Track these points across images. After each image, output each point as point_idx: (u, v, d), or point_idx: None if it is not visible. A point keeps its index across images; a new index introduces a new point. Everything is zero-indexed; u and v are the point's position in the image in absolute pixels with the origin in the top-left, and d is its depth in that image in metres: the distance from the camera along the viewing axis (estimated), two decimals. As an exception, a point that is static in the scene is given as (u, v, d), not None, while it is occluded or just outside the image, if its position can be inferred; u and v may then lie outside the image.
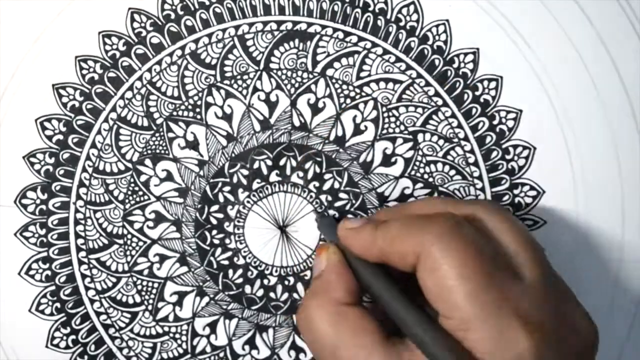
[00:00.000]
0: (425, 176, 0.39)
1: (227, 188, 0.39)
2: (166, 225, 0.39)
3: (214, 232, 0.39)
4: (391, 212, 0.35)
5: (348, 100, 0.38)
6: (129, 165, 0.39)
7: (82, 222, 0.39)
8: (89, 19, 0.37)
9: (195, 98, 0.38)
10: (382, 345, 0.30)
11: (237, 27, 0.38)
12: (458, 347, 0.28)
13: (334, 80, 0.38)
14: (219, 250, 0.39)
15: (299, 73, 0.38)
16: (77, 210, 0.39)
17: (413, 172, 0.39)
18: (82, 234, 0.39)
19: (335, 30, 0.38)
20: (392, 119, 0.38)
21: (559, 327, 0.29)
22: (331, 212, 0.39)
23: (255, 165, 0.39)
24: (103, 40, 0.38)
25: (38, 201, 0.39)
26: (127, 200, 0.39)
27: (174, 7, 0.37)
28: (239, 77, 0.38)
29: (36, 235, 0.39)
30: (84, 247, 0.39)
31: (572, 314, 0.30)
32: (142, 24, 0.38)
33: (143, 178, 0.39)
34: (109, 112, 0.38)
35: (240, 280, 0.39)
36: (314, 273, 0.35)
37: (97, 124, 0.38)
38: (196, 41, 0.38)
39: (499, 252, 0.30)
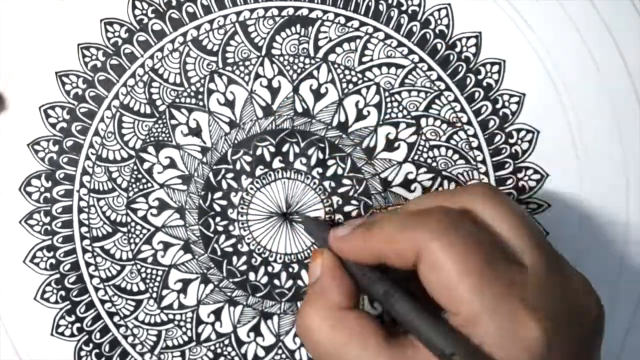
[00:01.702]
0: (429, 161, 0.39)
1: (230, 175, 0.39)
2: (170, 212, 0.39)
3: (218, 219, 0.39)
4: (381, 214, 0.35)
5: (350, 86, 0.38)
6: (132, 152, 0.39)
7: (86, 210, 0.39)
8: (91, 7, 0.37)
9: (198, 85, 0.38)
10: (386, 346, 0.30)
11: (238, 13, 0.38)
12: (466, 342, 0.28)
13: (336, 66, 0.38)
14: (222, 237, 0.39)
15: (301, 59, 0.38)
16: (80, 198, 0.39)
17: (416, 157, 0.39)
18: (86, 222, 0.39)
19: (336, 15, 0.38)
20: (395, 104, 0.38)
21: (566, 310, 0.29)
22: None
23: (258, 152, 0.39)
24: (105, 27, 0.38)
25: (42, 189, 0.39)
26: (130, 188, 0.39)
27: (175, -6, 0.37)
28: (240, 63, 0.38)
29: (40, 223, 0.39)
30: (87, 235, 0.39)
31: (577, 294, 0.30)
32: (144, 11, 0.38)
33: (146, 165, 0.39)
34: (112, 99, 0.38)
35: (244, 268, 0.39)
36: (310, 279, 0.34)
37: (100, 112, 0.38)
38: (198, 27, 0.38)
39: (498, 242, 0.30)
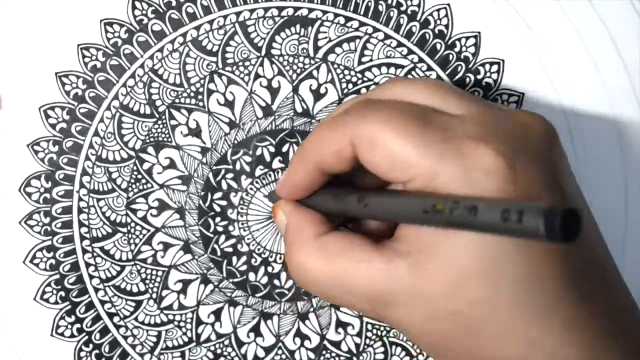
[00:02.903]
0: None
1: (230, 175, 0.39)
2: (170, 213, 0.39)
3: (218, 219, 0.39)
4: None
5: (350, 86, 0.38)
6: (132, 153, 0.39)
7: (86, 210, 0.39)
8: (91, 7, 0.38)
9: (197, 85, 0.38)
10: (376, 250, 0.29)
11: (238, 14, 0.38)
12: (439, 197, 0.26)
13: (335, 66, 0.38)
14: (222, 237, 0.39)
15: (301, 59, 0.38)
16: (80, 199, 0.39)
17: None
18: (86, 222, 0.39)
19: (336, 15, 0.38)
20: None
21: (515, 134, 0.28)
22: None
23: (258, 152, 0.39)
24: (105, 28, 0.38)
25: (42, 189, 0.39)
26: (130, 189, 0.39)
27: (175, -5, 0.37)
28: (240, 63, 0.38)
29: (40, 223, 0.39)
30: (87, 235, 0.39)
31: (519, 118, 0.30)
32: (144, 12, 0.38)
33: (146, 166, 0.39)
34: (112, 100, 0.38)
35: (244, 268, 0.39)
36: (282, 231, 0.34)
37: (100, 112, 0.38)
38: (197, 28, 0.38)
39: (425, 106, 0.29)
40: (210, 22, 0.38)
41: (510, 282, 0.27)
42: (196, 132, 0.38)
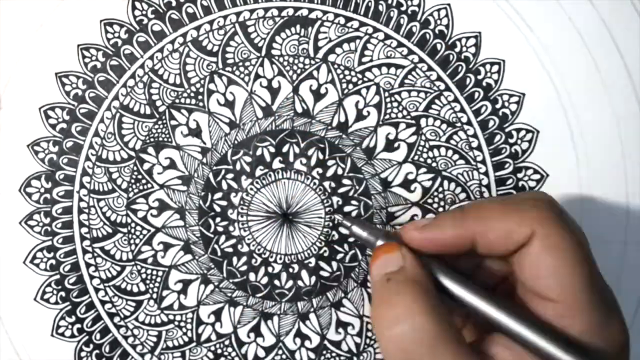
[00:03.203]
0: (429, 161, 0.39)
1: (230, 175, 0.39)
2: (170, 213, 0.39)
3: (218, 219, 0.39)
4: (470, 203, 0.32)
5: (350, 86, 0.38)
6: (132, 153, 0.39)
7: (86, 210, 0.39)
8: (91, 7, 0.37)
9: (198, 85, 0.38)
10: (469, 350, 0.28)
11: (238, 14, 0.38)
12: (561, 334, 0.27)
13: (335, 66, 0.38)
14: (222, 237, 0.39)
15: (301, 59, 0.38)
16: (80, 199, 0.39)
17: (416, 157, 0.39)
18: (86, 222, 0.39)
19: (336, 15, 0.38)
20: (395, 104, 0.38)
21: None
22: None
23: (258, 153, 0.39)
24: (105, 28, 0.38)
25: (42, 190, 0.39)
26: (130, 189, 0.39)
27: (175, -5, 0.37)
28: (240, 64, 0.38)
29: (40, 224, 0.39)
30: (88, 235, 0.39)
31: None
32: (144, 12, 0.38)
33: (146, 166, 0.39)
34: (112, 100, 0.38)
35: (244, 268, 0.39)
36: (388, 269, 0.30)
37: (100, 112, 0.38)
38: (197, 28, 0.38)
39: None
40: (210, 23, 0.38)
41: None
42: (196, 133, 0.38)
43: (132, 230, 0.39)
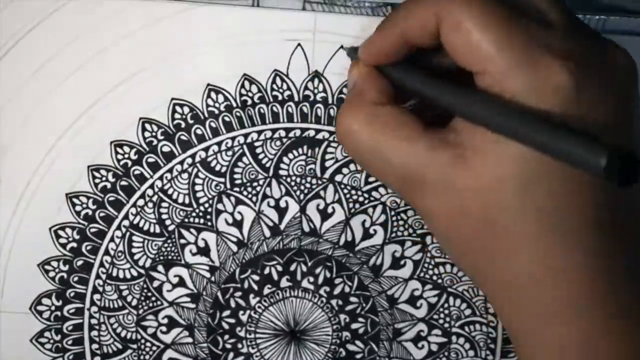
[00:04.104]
0: (435, 277, 0.39)
1: (238, 293, 0.39)
2: (179, 330, 0.39)
3: (226, 336, 0.40)
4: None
5: (357, 205, 0.39)
6: (142, 271, 0.39)
7: (97, 327, 0.39)
8: (101, 129, 0.38)
9: (206, 205, 0.39)
10: (424, 133, 0.29)
11: (246, 135, 0.38)
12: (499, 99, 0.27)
13: (342, 186, 0.39)
14: (231, 354, 0.40)
15: (308, 179, 0.39)
16: (91, 316, 0.39)
17: (422, 274, 0.39)
18: (97, 339, 0.40)
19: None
20: (401, 222, 0.39)
21: (594, 58, 0.28)
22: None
23: (266, 271, 0.39)
24: (115, 149, 0.38)
25: (53, 307, 0.39)
26: (140, 306, 0.39)
27: (184, 117, 0.38)
28: (248, 184, 0.39)
29: (51, 341, 0.39)
30: (98, 352, 0.40)
31: (607, 48, 0.29)
32: (153, 133, 0.38)
33: (156, 284, 0.39)
34: (122, 219, 0.39)
35: (252, 381, 0.40)
36: (348, 88, 0.34)
37: (110, 232, 0.39)
38: (206, 149, 0.38)
39: (520, 2, 0.29)
40: (219, 144, 0.38)
41: (543, 201, 0.27)
42: (205, 251, 0.39)
43: (142, 347, 0.40)
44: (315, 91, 0.38)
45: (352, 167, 0.39)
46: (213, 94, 0.38)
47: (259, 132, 0.38)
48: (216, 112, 0.38)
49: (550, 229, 0.27)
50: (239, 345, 0.40)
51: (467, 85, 0.29)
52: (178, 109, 0.38)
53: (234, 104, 0.38)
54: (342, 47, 0.37)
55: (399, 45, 0.31)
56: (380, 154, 0.30)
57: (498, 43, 0.27)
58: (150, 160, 0.39)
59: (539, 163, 0.27)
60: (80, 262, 0.39)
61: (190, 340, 0.39)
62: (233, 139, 0.38)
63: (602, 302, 0.28)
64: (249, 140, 0.38)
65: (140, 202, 0.39)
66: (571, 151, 0.24)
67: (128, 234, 0.39)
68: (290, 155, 0.39)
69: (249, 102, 0.38)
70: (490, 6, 0.28)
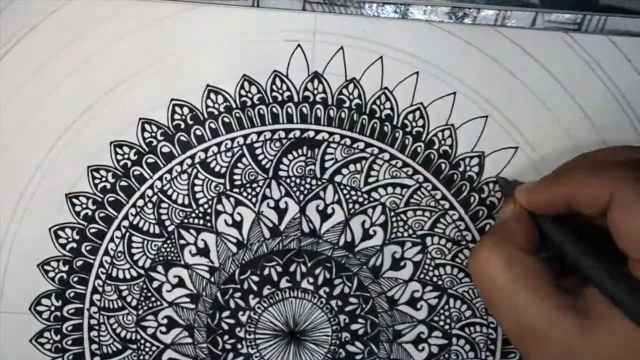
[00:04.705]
0: (435, 279, 0.39)
1: (238, 294, 0.39)
2: (178, 330, 0.39)
3: (226, 337, 0.39)
4: (569, 162, 0.34)
5: (357, 206, 0.39)
6: (141, 271, 0.39)
7: (96, 327, 0.39)
8: (101, 130, 0.38)
9: (206, 206, 0.39)
10: (557, 292, 0.30)
11: (245, 136, 0.38)
12: None
13: (342, 186, 0.39)
14: (230, 355, 0.40)
15: (308, 180, 0.39)
16: (91, 316, 0.39)
17: (422, 275, 0.39)
18: (96, 339, 0.40)
19: (342, 137, 0.38)
20: (401, 223, 0.39)
21: None
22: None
23: (266, 272, 0.39)
24: (115, 150, 0.38)
25: (52, 308, 0.39)
26: (139, 306, 0.39)
27: (183, 117, 0.38)
28: (248, 185, 0.39)
29: (51, 341, 0.39)
30: (98, 352, 0.40)
31: None
32: (153, 134, 0.38)
33: (155, 284, 0.39)
34: (121, 220, 0.39)
35: (252, 381, 0.40)
36: (497, 222, 0.34)
37: (110, 232, 0.39)
38: (205, 150, 0.38)
39: None
40: (218, 145, 0.38)
41: None
42: (204, 252, 0.39)
43: (142, 347, 0.40)
44: (315, 92, 0.38)
45: (351, 167, 0.39)
46: (212, 95, 0.38)
47: (259, 133, 0.38)
48: (215, 112, 0.38)
49: None
50: (239, 346, 0.40)
51: (615, 261, 0.29)
52: (178, 109, 0.38)
53: (234, 105, 0.38)
54: (498, 178, 0.38)
55: (562, 206, 0.32)
56: (511, 300, 0.31)
57: None
58: (149, 160, 0.38)
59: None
60: (79, 263, 0.39)
61: (189, 340, 0.40)
62: (232, 139, 0.38)
63: None
64: (248, 141, 0.38)
65: (140, 203, 0.39)
66: None
67: (127, 234, 0.39)
68: (290, 156, 0.38)
69: (249, 103, 0.38)
70: None
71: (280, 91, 0.38)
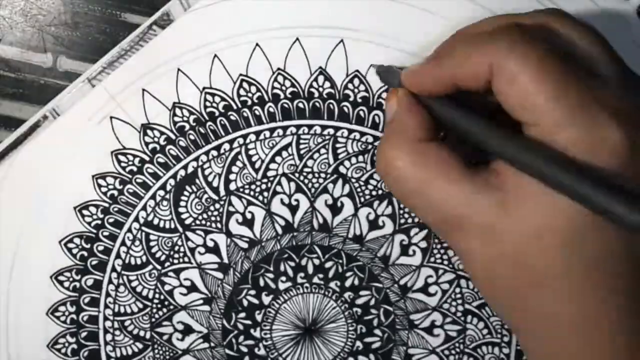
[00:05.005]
0: (446, 262, 0.39)
1: (252, 292, 0.39)
2: (193, 334, 0.40)
3: (241, 338, 0.40)
4: (449, 39, 0.33)
5: (366, 197, 0.39)
6: (155, 273, 0.39)
7: (110, 331, 0.40)
8: (104, 137, 0.38)
9: (217, 205, 0.39)
10: (467, 174, 0.30)
11: (245, 137, 0.38)
12: (551, 150, 0.27)
13: (353, 180, 0.39)
14: (247, 357, 0.40)
15: (317, 174, 0.39)
16: (106, 331, 0.40)
17: (432, 260, 0.39)
18: (112, 343, 0.40)
19: (350, 131, 0.38)
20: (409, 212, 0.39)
21: None
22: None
23: (280, 269, 0.39)
24: (117, 157, 0.38)
25: (67, 312, 0.39)
26: (153, 311, 0.40)
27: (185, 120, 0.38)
28: (258, 182, 0.39)
29: (66, 344, 0.40)
30: (112, 354, 0.40)
31: None
32: (155, 139, 0.38)
33: (167, 288, 0.39)
34: (131, 222, 0.39)
35: (270, 381, 0.40)
36: (387, 118, 0.33)
37: (121, 236, 0.39)
38: (206, 153, 0.38)
39: (574, 53, 0.29)
40: (217, 148, 0.38)
41: (584, 256, 0.28)
42: (215, 251, 0.39)
43: (158, 349, 0.40)
44: (321, 89, 0.38)
45: (360, 158, 0.38)
46: (210, 96, 0.37)
47: (258, 133, 0.38)
48: (216, 113, 0.38)
49: (596, 283, 0.28)
50: (255, 346, 0.40)
51: (513, 130, 0.29)
52: (178, 111, 0.38)
53: (234, 106, 0.38)
54: (371, 65, 0.37)
55: (448, 84, 0.31)
56: (423, 194, 0.30)
57: (554, 97, 0.27)
58: (151, 169, 0.38)
59: (580, 217, 0.27)
60: (94, 262, 0.39)
61: (206, 345, 0.40)
62: (231, 141, 0.38)
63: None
64: (247, 141, 0.38)
65: (151, 203, 0.39)
66: (624, 213, 0.24)
67: (141, 233, 0.39)
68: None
69: (249, 102, 0.38)
70: (546, 60, 0.27)
71: (283, 88, 0.38)
